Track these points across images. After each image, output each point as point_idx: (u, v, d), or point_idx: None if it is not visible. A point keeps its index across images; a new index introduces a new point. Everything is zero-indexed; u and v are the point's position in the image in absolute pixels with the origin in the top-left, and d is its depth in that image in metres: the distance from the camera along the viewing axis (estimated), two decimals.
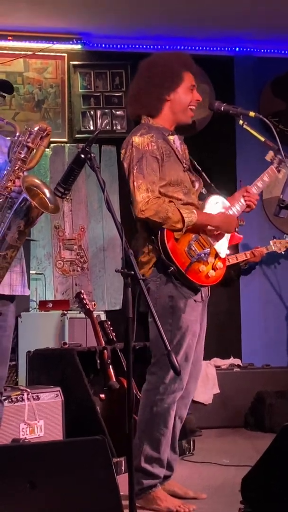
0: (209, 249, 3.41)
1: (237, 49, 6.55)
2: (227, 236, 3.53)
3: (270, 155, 3.60)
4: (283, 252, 5.93)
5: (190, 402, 3.59)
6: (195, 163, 3.60)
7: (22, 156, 2.93)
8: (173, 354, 2.63)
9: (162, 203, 3.30)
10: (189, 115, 3.52)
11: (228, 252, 3.56)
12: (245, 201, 3.58)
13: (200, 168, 3.61)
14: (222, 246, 3.50)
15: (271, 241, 5.91)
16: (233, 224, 3.48)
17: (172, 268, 3.31)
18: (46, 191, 2.91)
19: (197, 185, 3.57)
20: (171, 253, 3.31)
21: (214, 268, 3.44)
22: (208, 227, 3.42)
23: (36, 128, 2.96)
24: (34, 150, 2.95)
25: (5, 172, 2.92)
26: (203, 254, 3.37)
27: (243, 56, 6.57)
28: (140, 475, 3.32)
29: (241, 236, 3.69)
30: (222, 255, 3.49)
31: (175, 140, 3.52)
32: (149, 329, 3.34)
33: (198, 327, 3.48)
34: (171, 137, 3.49)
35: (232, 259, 5.65)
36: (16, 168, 2.92)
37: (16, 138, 2.94)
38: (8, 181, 2.90)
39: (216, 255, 3.47)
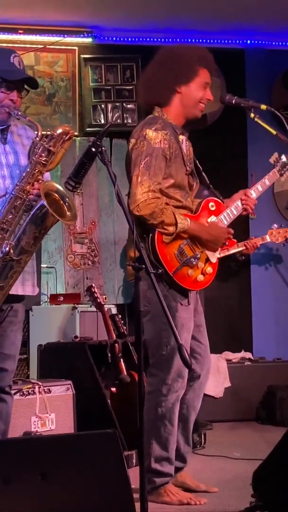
0: (199, 254, 3.38)
1: (248, 41, 6.53)
2: None
3: (274, 157, 3.58)
4: (283, 244, 5.68)
5: (202, 393, 3.58)
6: (197, 162, 3.57)
7: (43, 159, 2.91)
8: (184, 349, 2.62)
9: (160, 204, 3.28)
10: (199, 110, 3.49)
11: (219, 256, 3.51)
12: (242, 204, 3.55)
13: (201, 168, 3.58)
14: (213, 252, 3.47)
15: (268, 231, 5.58)
16: (222, 239, 3.43)
17: (160, 270, 3.29)
18: (66, 198, 2.90)
19: (193, 187, 3.55)
20: (160, 256, 3.28)
21: (203, 273, 3.41)
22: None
23: (58, 132, 2.94)
24: (55, 154, 2.93)
25: (24, 174, 2.91)
26: (192, 259, 3.34)
27: (254, 49, 6.55)
28: (151, 475, 3.32)
29: (235, 240, 3.65)
30: (213, 260, 3.46)
31: (184, 140, 3.49)
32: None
33: (192, 324, 3.47)
34: (181, 137, 3.47)
35: (223, 251, 5.50)
36: (36, 171, 2.90)
37: (37, 139, 2.93)
38: (26, 183, 2.89)
39: (207, 260, 3.43)
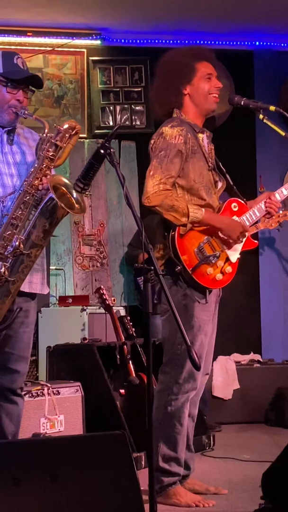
0: (219, 253, 3.38)
1: (257, 43, 6.53)
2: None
3: None
4: (277, 229, 5.58)
5: (199, 399, 3.57)
6: (220, 164, 3.58)
7: (50, 154, 2.92)
8: (193, 350, 2.61)
9: (171, 195, 3.29)
10: (212, 101, 3.49)
11: (239, 256, 3.49)
12: (266, 207, 3.55)
13: (224, 170, 3.59)
14: (234, 251, 3.46)
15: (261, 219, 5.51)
16: (236, 231, 3.40)
17: (179, 267, 3.30)
18: (73, 191, 2.91)
19: (220, 185, 3.55)
20: (179, 253, 3.30)
21: (222, 272, 3.40)
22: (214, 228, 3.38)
23: (65, 127, 2.95)
24: (62, 149, 2.95)
25: (32, 169, 2.92)
26: (211, 257, 3.35)
27: (263, 50, 6.54)
28: (159, 474, 3.32)
29: (256, 242, 3.63)
30: (233, 260, 3.45)
31: (204, 138, 3.50)
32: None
33: (211, 327, 3.47)
34: (200, 135, 3.48)
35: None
36: (44, 166, 2.91)
37: (44, 135, 2.94)
38: (35, 179, 2.90)
39: (227, 260, 3.43)
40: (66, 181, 2.93)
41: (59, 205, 2.82)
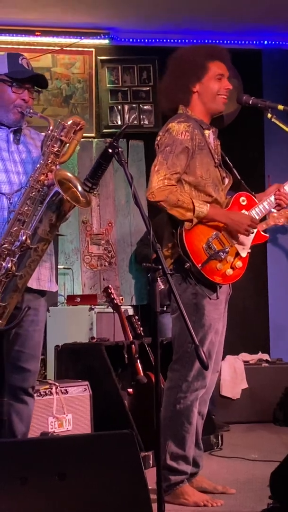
0: (228, 248, 3.38)
1: (265, 42, 6.52)
2: (250, 236, 3.49)
3: None
4: (285, 224, 5.56)
5: (209, 397, 3.57)
6: (227, 159, 3.58)
7: (55, 149, 2.94)
8: (201, 349, 2.61)
9: (175, 190, 3.28)
10: (220, 103, 3.48)
11: (249, 251, 3.49)
12: (275, 199, 3.54)
13: (231, 164, 3.58)
14: (244, 245, 3.46)
15: (269, 214, 5.44)
16: (243, 224, 3.37)
17: (188, 264, 3.29)
18: (78, 185, 2.92)
19: (226, 181, 3.54)
20: (188, 249, 3.30)
21: (232, 267, 3.40)
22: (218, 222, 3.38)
23: (69, 122, 2.97)
24: (67, 144, 2.96)
25: (38, 165, 2.93)
26: (221, 253, 3.34)
27: (271, 49, 6.53)
28: (166, 472, 3.32)
29: (267, 235, 3.62)
30: (243, 254, 3.45)
31: (210, 135, 3.50)
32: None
33: (221, 325, 3.46)
34: (206, 131, 3.47)
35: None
36: (49, 161, 2.93)
37: (49, 132, 2.96)
38: (40, 174, 2.91)
39: (237, 254, 3.43)
40: (71, 175, 2.94)
41: (65, 198, 2.83)
